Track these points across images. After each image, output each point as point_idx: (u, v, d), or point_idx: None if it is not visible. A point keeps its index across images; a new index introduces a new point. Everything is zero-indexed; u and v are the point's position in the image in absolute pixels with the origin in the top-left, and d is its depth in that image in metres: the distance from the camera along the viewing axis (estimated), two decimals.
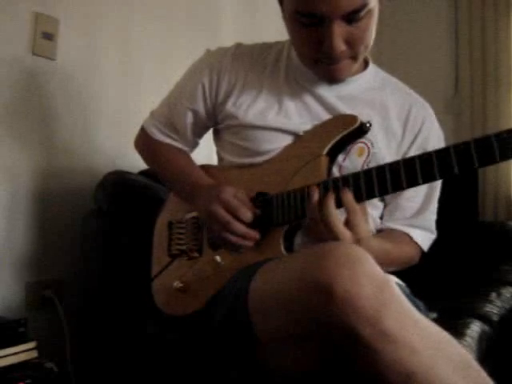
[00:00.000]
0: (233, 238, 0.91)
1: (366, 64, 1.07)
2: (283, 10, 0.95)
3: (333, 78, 1.00)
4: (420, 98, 1.10)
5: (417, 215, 1.04)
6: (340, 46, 0.89)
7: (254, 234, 0.91)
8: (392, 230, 1.03)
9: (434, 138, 1.05)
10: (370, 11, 0.88)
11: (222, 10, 2.08)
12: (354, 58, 0.95)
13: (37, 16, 1.44)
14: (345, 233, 0.82)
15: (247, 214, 0.90)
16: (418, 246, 1.03)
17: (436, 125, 1.08)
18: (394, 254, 1.00)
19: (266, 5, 2.20)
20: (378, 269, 0.68)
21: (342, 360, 0.67)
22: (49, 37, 1.47)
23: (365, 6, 0.86)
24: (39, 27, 1.44)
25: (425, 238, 1.05)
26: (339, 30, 0.87)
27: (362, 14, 0.87)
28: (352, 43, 0.91)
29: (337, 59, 0.93)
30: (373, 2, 0.88)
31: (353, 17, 0.87)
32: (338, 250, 0.69)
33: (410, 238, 1.02)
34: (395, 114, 1.03)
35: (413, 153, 1.01)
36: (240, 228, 0.90)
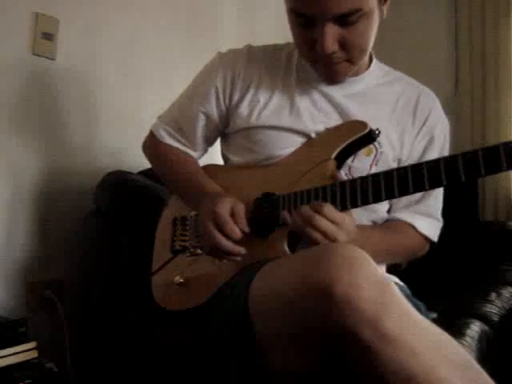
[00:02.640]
0: (219, 253, 0.92)
1: (370, 61, 1.08)
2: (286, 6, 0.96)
3: (330, 80, 1.01)
4: (425, 87, 1.11)
5: (420, 201, 1.04)
6: (331, 46, 0.90)
7: (238, 250, 0.90)
8: (396, 221, 1.04)
9: (441, 126, 1.07)
10: (364, 15, 0.89)
11: (222, 11, 2.08)
12: (350, 61, 0.96)
13: (37, 16, 1.44)
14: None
15: (235, 232, 0.89)
16: (424, 236, 1.04)
17: (442, 113, 1.09)
18: (397, 246, 1.01)
19: (266, 9, 2.20)
20: (377, 270, 0.68)
21: (342, 362, 0.67)
22: (49, 37, 1.47)
23: (357, 10, 0.87)
24: (39, 27, 1.44)
25: (431, 227, 1.05)
26: (331, 31, 0.88)
27: (355, 17, 0.88)
28: (346, 46, 0.92)
29: (330, 60, 0.94)
30: (367, 6, 0.88)
31: (345, 20, 0.88)
32: (337, 252, 0.69)
33: (415, 228, 1.03)
34: (403, 105, 1.05)
35: (421, 138, 1.04)
36: (226, 244, 0.89)
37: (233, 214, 0.91)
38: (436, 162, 0.79)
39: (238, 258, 0.91)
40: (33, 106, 1.46)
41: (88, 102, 1.60)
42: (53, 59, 1.49)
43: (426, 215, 1.05)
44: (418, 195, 1.04)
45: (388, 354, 0.61)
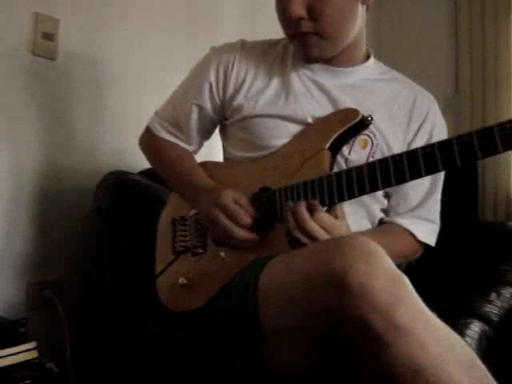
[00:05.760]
0: (233, 242, 0.93)
1: (367, 57, 1.08)
2: None
3: (304, 55, 1.01)
4: (423, 88, 1.11)
5: (421, 205, 1.05)
6: (297, 10, 0.91)
7: (253, 236, 0.92)
8: (395, 226, 1.04)
9: (439, 127, 1.07)
10: None
11: (222, 11, 2.08)
12: (321, 34, 0.95)
13: (37, 16, 1.44)
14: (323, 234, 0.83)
15: (246, 219, 0.91)
16: (423, 243, 1.05)
17: (439, 114, 1.10)
18: (393, 253, 1.00)
19: (266, 9, 2.19)
20: (392, 263, 0.69)
21: (343, 360, 0.67)
22: (49, 37, 1.47)
23: None
24: (39, 27, 1.44)
25: (430, 232, 1.06)
26: None
27: None
28: (315, 15, 0.93)
29: (300, 29, 0.94)
30: None
31: None
32: (354, 244, 0.69)
33: (414, 236, 1.03)
34: (400, 104, 1.05)
35: (419, 139, 1.03)
36: (240, 233, 0.91)
37: (237, 204, 0.93)
38: (431, 146, 0.78)
39: (251, 245, 0.92)
40: (33, 106, 1.46)
41: (88, 102, 1.60)
42: (53, 59, 1.49)
43: (426, 220, 1.05)
44: (418, 198, 1.04)
45: (399, 346, 0.62)
